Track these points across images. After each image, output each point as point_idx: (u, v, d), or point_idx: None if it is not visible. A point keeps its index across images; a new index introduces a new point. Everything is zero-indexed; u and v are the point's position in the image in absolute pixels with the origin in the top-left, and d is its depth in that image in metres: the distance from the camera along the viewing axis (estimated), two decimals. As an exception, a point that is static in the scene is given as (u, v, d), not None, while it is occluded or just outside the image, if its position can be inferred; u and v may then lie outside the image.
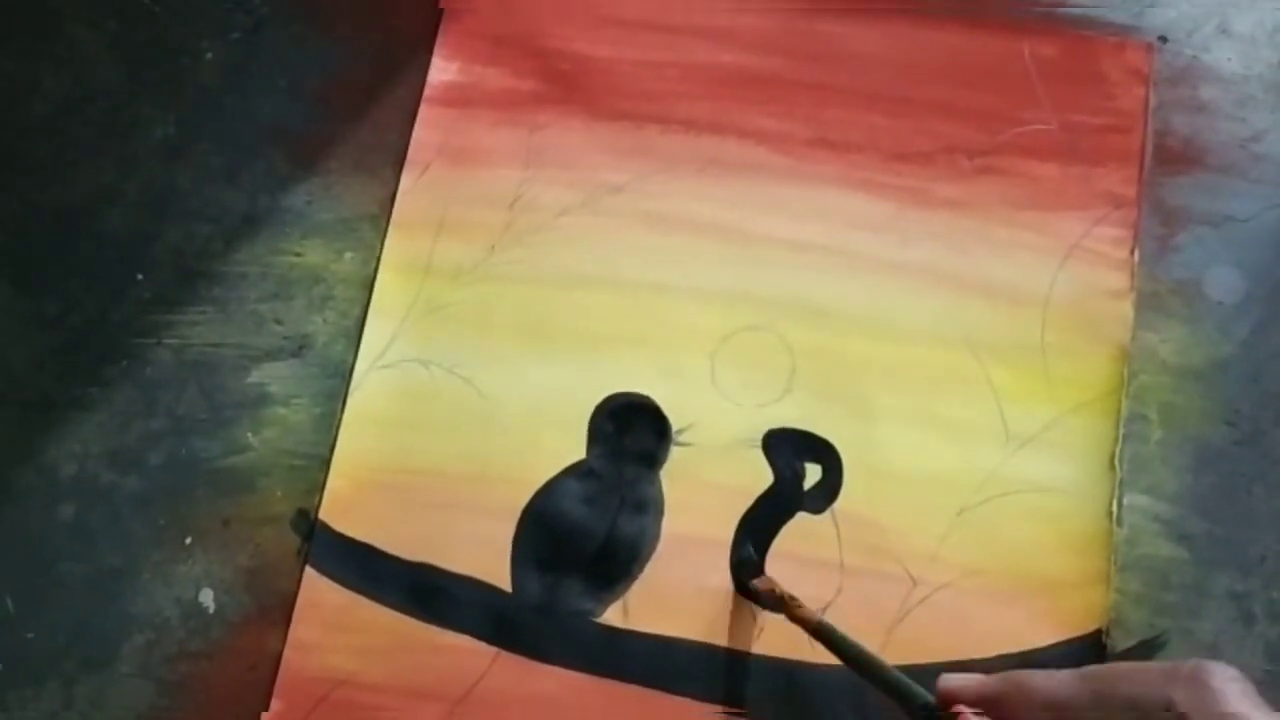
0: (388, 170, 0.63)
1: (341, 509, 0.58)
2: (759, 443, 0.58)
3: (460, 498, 0.58)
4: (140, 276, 0.62)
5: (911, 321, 0.59)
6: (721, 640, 0.55)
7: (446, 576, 0.57)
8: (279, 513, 0.58)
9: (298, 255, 0.62)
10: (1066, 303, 0.59)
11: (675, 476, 0.58)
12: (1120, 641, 0.54)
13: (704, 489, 0.57)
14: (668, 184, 0.62)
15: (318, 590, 0.57)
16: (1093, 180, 0.61)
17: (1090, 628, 0.54)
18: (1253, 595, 0.55)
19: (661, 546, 0.57)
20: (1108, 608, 0.55)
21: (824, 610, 0.55)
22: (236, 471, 0.59)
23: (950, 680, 0.42)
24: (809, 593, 0.54)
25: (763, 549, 0.56)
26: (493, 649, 0.55)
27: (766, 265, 0.61)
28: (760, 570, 0.55)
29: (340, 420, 0.59)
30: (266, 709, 0.55)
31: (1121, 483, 0.56)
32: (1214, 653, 0.54)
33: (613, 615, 0.56)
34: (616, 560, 0.57)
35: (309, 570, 0.57)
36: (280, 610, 0.56)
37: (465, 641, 0.56)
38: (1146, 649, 0.54)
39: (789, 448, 0.58)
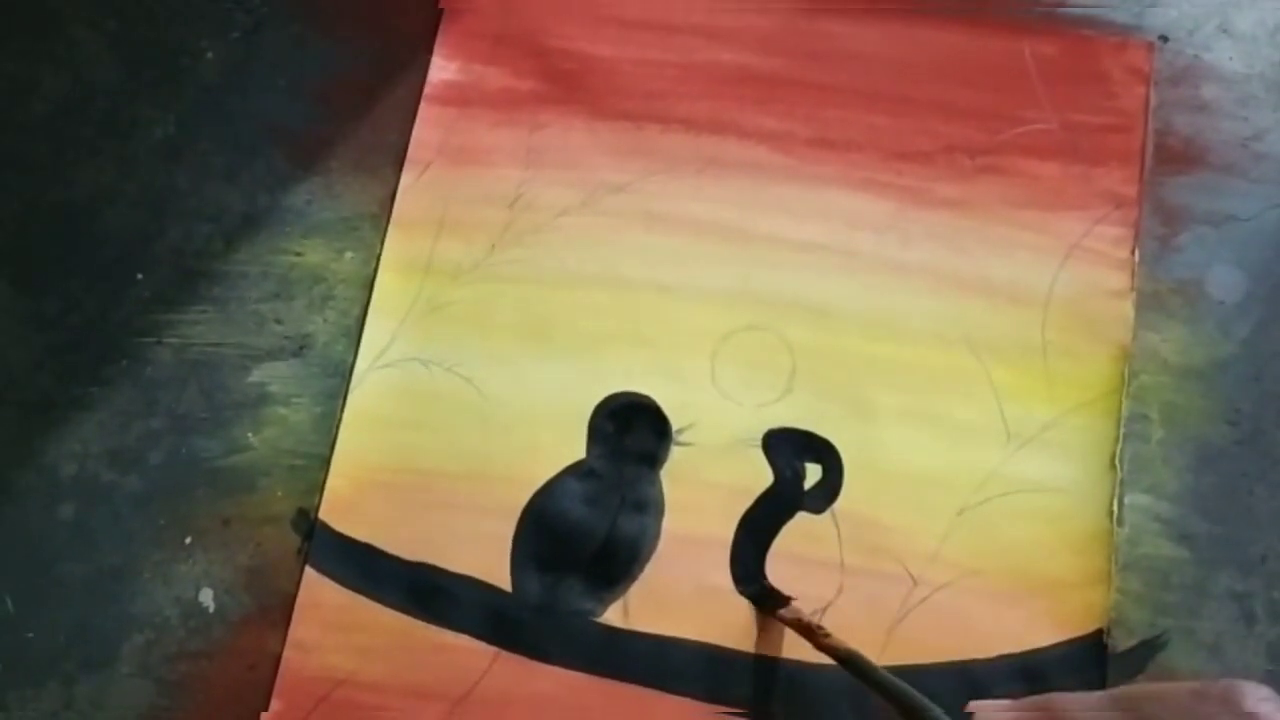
0: (388, 170, 0.63)
1: (341, 509, 0.58)
2: (759, 442, 0.58)
3: (460, 497, 0.58)
4: (140, 276, 0.62)
5: (912, 321, 0.59)
6: (721, 640, 0.55)
7: (446, 576, 0.57)
8: (279, 512, 0.58)
9: (298, 255, 0.62)
10: (1067, 302, 0.59)
11: (675, 476, 0.58)
12: (1121, 641, 0.54)
13: (704, 489, 0.57)
14: (668, 184, 0.62)
15: (318, 590, 0.57)
16: (1093, 180, 0.61)
17: (1091, 627, 0.54)
18: (1254, 595, 0.55)
19: (662, 546, 0.57)
20: (1108, 607, 0.54)
21: (824, 610, 0.55)
22: (236, 471, 0.59)
23: (983, 710, 0.42)
24: (809, 592, 0.54)
25: (763, 548, 0.56)
26: (493, 649, 0.55)
27: (767, 265, 0.61)
28: (785, 601, 0.55)
29: (340, 420, 0.59)
30: (266, 709, 0.55)
31: (1122, 482, 0.56)
32: (1215, 652, 0.54)
33: (613, 615, 0.56)
34: (617, 560, 0.57)
35: (309, 570, 0.57)
36: (280, 610, 0.56)
37: (465, 641, 0.56)
38: (1147, 649, 0.54)
39: (789, 447, 0.58)
